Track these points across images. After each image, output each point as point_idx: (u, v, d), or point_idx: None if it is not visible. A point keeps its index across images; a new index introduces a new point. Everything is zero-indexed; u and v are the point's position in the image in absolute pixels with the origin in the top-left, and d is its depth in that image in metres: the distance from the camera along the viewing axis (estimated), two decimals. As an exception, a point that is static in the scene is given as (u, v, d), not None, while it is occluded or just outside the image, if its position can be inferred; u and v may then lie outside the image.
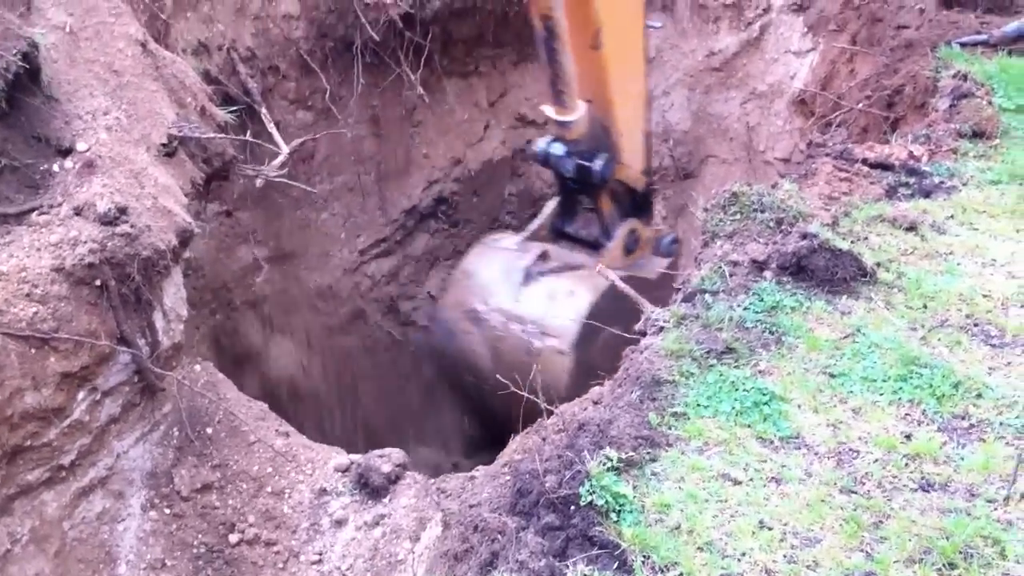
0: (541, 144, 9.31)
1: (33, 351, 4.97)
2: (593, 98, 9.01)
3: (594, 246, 10.00)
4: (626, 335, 6.14)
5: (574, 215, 10.11)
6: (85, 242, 5.20)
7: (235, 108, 7.52)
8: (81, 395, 5.33)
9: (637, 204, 10.35)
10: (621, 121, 9.35)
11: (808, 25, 12.07)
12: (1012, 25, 9.34)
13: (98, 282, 5.24)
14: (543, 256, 9.52)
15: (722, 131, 12.90)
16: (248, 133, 7.84)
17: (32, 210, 5.35)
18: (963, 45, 9.31)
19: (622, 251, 10.01)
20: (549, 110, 8.54)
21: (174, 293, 6.04)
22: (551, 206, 10.07)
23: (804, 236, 6.11)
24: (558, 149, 9.17)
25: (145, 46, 6.40)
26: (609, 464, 4.43)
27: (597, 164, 9.16)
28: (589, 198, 9.87)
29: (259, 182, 8.16)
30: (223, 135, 6.73)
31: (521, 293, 9.23)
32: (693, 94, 12.83)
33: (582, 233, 10.15)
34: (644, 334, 5.87)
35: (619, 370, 5.57)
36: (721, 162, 13.02)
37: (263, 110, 8.70)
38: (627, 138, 9.50)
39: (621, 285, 7.20)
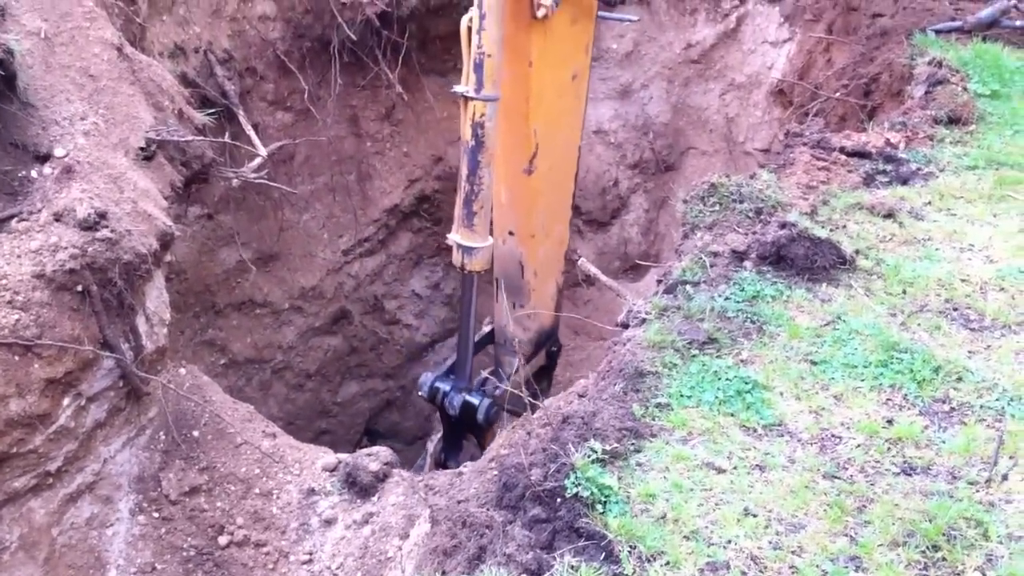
0: (427, 378, 8.58)
1: (16, 358, 4.96)
2: (515, 230, 8.34)
3: None
4: None
5: (459, 449, 9.27)
6: (66, 248, 5.19)
7: (213, 111, 7.51)
8: (66, 401, 5.33)
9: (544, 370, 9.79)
10: (538, 261, 8.65)
11: (784, 15, 12.15)
12: (986, 11, 9.41)
13: (80, 288, 5.23)
14: None
15: (702, 123, 12.95)
16: (227, 135, 7.83)
17: (11, 217, 5.33)
18: (938, 32, 9.37)
19: None
20: (454, 236, 7.49)
21: (156, 297, 6.03)
22: (434, 443, 9.31)
23: (783, 225, 6.15)
24: (445, 384, 8.45)
25: (121, 50, 6.38)
26: (594, 456, 4.45)
27: (483, 406, 8.39)
28: (474, 436, 9.02)
29: (235, 183, 8.15)
30: (201, 138, 6.72)
31: None
32: (672, 86, 12.87)
33: None
34: (627, 326, 5.90)
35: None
36: (701, 154, 13.07)
37: (240, 112, 8.68)
38: (540, 282, 8.81)
39: (604, 278, 7.14)
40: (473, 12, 6.57)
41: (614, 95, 12.79)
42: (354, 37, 9.67)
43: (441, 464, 9.15)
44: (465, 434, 8.91)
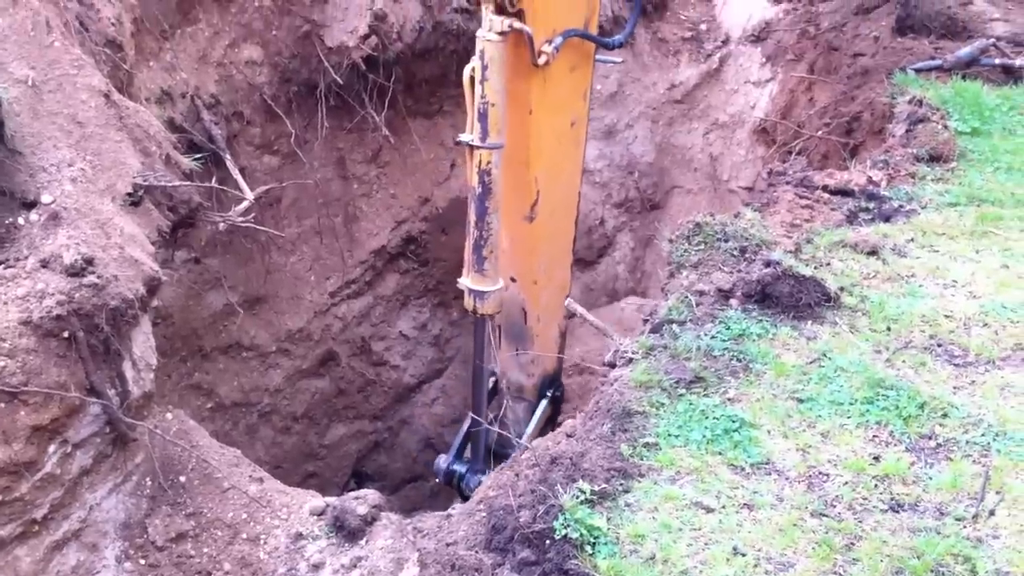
0: (442, 462, 8.63)
1: (2, 405, 4.95)
2: (517, 276, 8.28)
3: None
4: None
5: None
6: (52, 294, 5.19)
7: (200, 156, 7.54)
8: (52, 448, 5.30)
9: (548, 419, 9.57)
10: (540, 307, 8.61)
11: (766, 55, 12.28)
12: (965, 50, 9.53)
13: (66, 334, 5.22)
14: None
15: (686, 162, 13.04)
16: (214, 180, 7.84)
17: (-2, 264, 5.34)
18: (918, 71, 9.48)
19: None
20: (465, 280, 7.39)
21: (143, 342, 6.02)
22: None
23: (768, 264, 6.19)
24: (460, 467, 8.54)
25: (108, 97, 6.41)
26: (583, 497, 4.45)
27: None
28: None
29: (222, 227, 8.16)
30: (188, 183, 6.74)
31: None
32: (656, 126, 12.97)
33: None
34: (614, 365, 5.91)
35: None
36: (686, 192, 13.15)
37: (227, 156, 8.72)
38: (543, 327, 8.79)
39: (591, 319, 7.09)
40: (475, 62, 6.63)
41: (599, 135, 12.87)
42: (341, 81, 9.73)
43: None
44: None
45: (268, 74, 9.58)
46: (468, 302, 7.45)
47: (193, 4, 8.78)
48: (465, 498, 8.39)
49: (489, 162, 6.84)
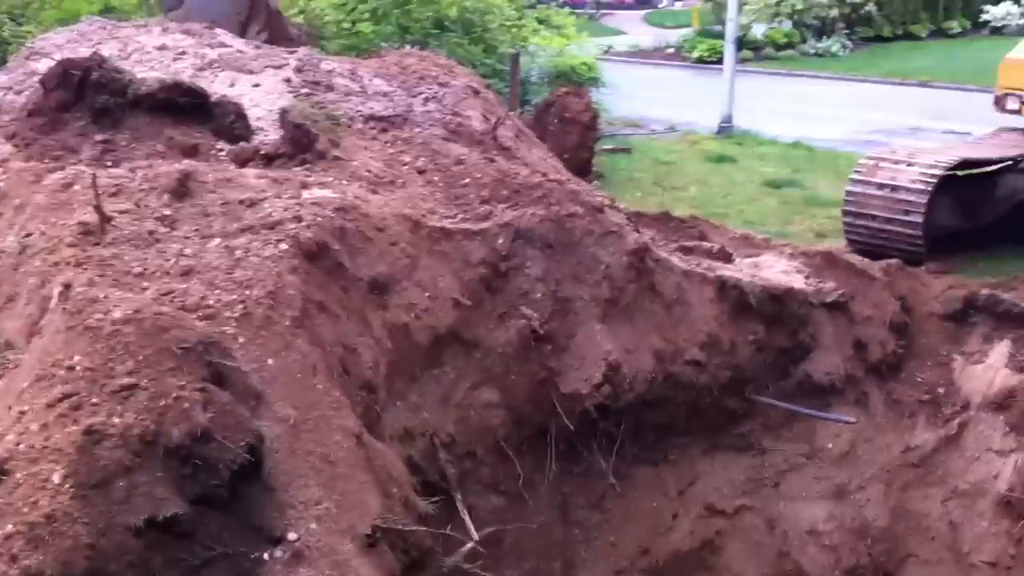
0: None
1: None
2: None
3: None
4: None
5: None
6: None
7: (436, 499, 7.71)
8: None
9: None
10: None
11: (1009, 425, 11.77)
12: None
13: None
14: None
15: (922, 530, 12.32)
16: (448, 527, 7.96)
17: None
18: None
19: None
20: None
21: None
22: None
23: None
24: None
25: (360, 438, 6.74)
26: None
27: None
28: None
29: (445, 568, 8.18)
30: (424, 528, 6.87)
31: None
32: (890, 490, 12.41)
33: None
34: None
35: None
36: (922, 563, 12.32)
37: (458, 496, 8.88)
38: None
39: None
40: None
41: (828, 494, 12.41)
42: (572, 427, 9.92)
43: None
44: None
45: (503, 416, 9.86)
46: None
47: (442, 349, 9.29)
48: None
49: None
